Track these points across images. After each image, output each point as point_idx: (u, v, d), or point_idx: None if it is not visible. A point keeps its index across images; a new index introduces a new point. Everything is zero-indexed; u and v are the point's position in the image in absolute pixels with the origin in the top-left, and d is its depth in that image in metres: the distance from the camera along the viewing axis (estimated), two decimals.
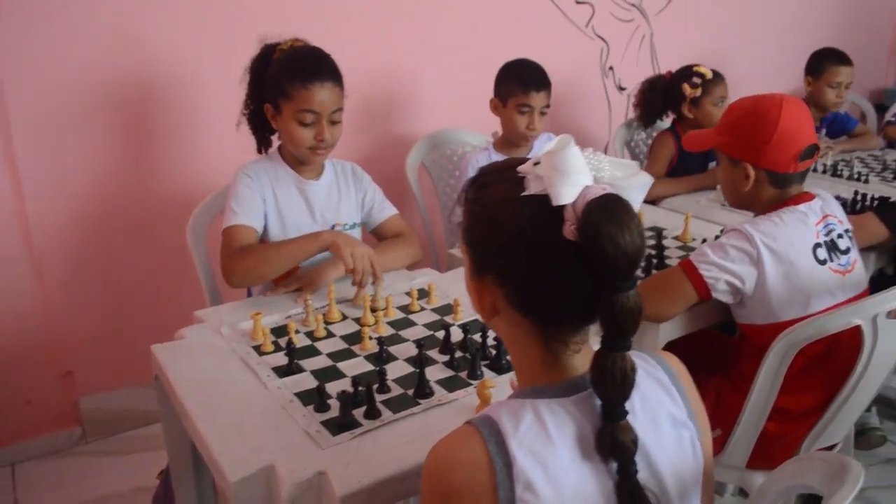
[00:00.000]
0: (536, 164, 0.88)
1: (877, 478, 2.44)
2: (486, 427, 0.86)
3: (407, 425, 1.26)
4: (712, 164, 2.70)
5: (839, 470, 0.90)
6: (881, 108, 4.65)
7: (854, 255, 1.70)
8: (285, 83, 1.77)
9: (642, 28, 3.40)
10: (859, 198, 2.41)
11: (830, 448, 1.72)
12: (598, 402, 0.85)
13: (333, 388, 1.35)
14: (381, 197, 2.05)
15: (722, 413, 1.72)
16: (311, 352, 1.52)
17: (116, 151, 2.33)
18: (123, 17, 2.22)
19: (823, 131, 3.34)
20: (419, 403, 1.32)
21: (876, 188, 2.69)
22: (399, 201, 2.80)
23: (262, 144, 1.98)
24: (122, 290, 2.42)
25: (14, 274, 2.26)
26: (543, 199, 0.85)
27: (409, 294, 1.75)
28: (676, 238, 2.13)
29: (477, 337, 1.53)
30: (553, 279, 0.86)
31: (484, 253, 0.93)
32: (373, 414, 1.27)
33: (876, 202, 2.37)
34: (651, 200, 2.64)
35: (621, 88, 3.43)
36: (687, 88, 2.68)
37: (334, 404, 1.28)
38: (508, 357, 1.41)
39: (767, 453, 1.65)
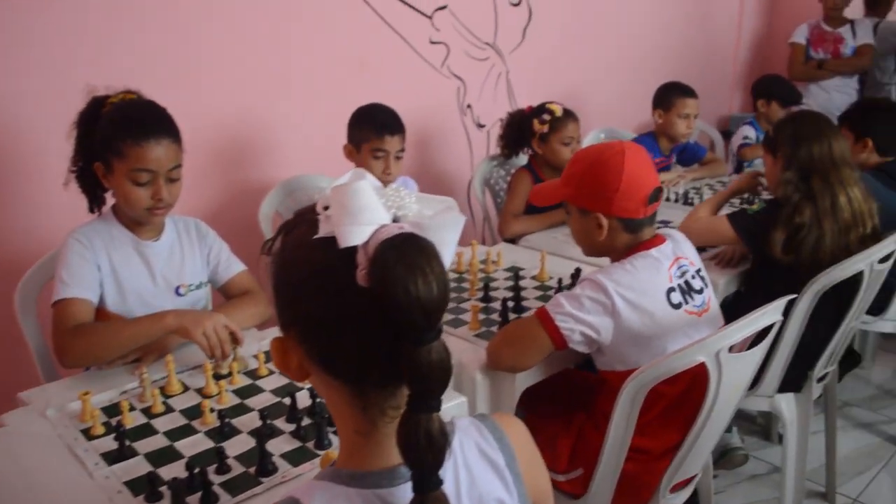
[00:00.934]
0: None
1: (743, 496, 2.51)
2: None
3: None
4: None
5: None
6: (728, 135, 4.93)
7: (708, 292, 1.73)
8: (117, 140, 1.65)
9: (498, 66, 3.46)
10: None
11: (689, 480, 1.74)
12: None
13: (169, 472, 1.25)
14: (227, 253, 1.95)
15: (584, 452, 1.71)
16: (146, 431, 1.40)
17: None
18: None
19: (675, 160, 3.49)
20: (261, 482, 1.23)
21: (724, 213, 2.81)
22: (253, 254, 2.71)
23: (95, 203, 1.84)
24: None
25: None
26: (336, 242, 0.76)
27: (256, 357, 1.65)
28: (534, 278, 2.14)
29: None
30: (350, 332, 0.77)
31: (281, 305, 0.84)
32: (208, 501, 1.18)
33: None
34: (510, 239, 2.66)
35: (480, 125, 3.46)
36: (536, 124, 2.72)
37: (167, 493, 1.18)
38: None
39: (630, 492, 1.66)
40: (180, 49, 2.44)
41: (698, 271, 1.73)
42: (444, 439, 0.73)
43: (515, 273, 2.13)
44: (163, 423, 1.43)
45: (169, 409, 1.48)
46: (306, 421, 1.40)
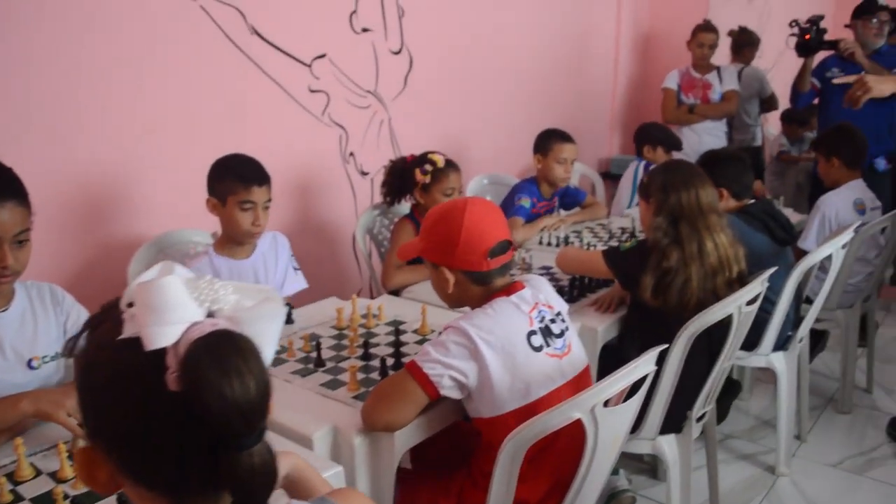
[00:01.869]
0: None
1: None
2: None
3: None
4: None
5: None
6: (608, 176, 5.11)
7: (569, 336, 1.75)
8: None
9: (380, 113, 3.45)
10: None
11: None
12: None
13: None
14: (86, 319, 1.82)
15: None
16: None
17: None
18: None
19: (558, 204, 3.57)
20: None
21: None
22: None
23: None
24: None
25: None
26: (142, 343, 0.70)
27: None
28: (416, 331, 2.10)
29: None
30: (163, 440, 0.71)
31: (86, 411, 0.77)
32: None
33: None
34: (394, 290, 2.62)
35: (364, 173, 3.43)
36: (418, 174, 2.71)
37: None
38: None
39: None
40: (35, 98, 2.30)
41: (558, 314, 1.76)
42: None
43: (396, 328, 2.09)
44: None
45: (18, 499, 1.35)
46: None
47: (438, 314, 2.20)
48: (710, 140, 4.46)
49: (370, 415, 1.59)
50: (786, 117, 5.09)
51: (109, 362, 0.73)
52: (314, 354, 1.91)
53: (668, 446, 2.17)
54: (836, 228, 3.15)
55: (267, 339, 0.72)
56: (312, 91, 3.13)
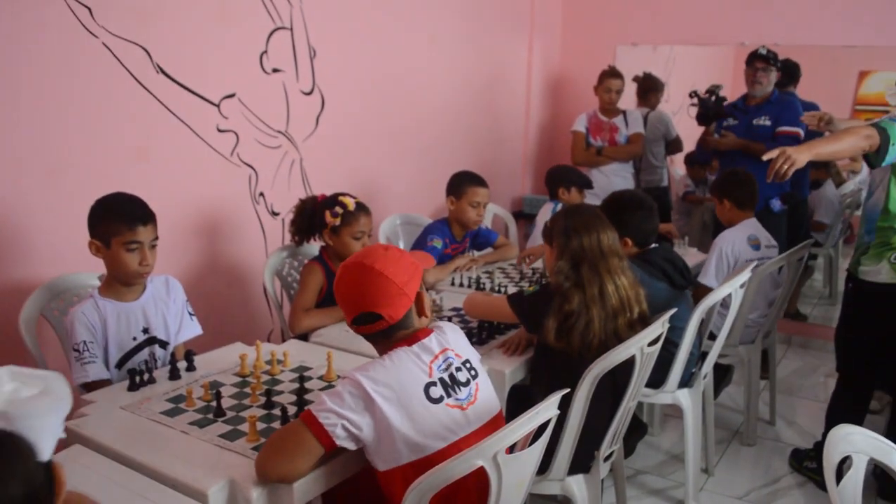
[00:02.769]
0: None
1: None
2: None
3: None
4: None
5: None
6: (521, 215, 5.18)
7: (478, 382, 1.74)
8: None
9: (291, 153, 3.41)
10: None
11: None
12: None
13: None
14: None
15: None
16: None
17: None
18: None
19: (469, 245, 3.59)
20: None
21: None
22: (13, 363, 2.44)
23: None
24: None
25: None
26: None
27: None
28: (321, 378, 2.06)
29: None
30: None
31: None
32: None
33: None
34: (303, 335, 2.57)
35: (274, 213, 3.38)
36: (328, 216, 2.68)
37: None
38: None
39: None
40: None
41: (465, 363, 1.74)
42: None
43: (301, 374, 2.04)
44: None
45: None
46: None
47: (345, 359, 2.17)
48: (617, 181, 4.58)
49: (264, 466, 1.54)
50: (689, 160, 5.28)
51: None
52: (214, 404, 1.85)
53: (577, 486, 2.18)
54: (732, 262, 3.29)
55: (45, 432, 0.67)
56: (221, 130, 3.07)
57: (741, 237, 3.36)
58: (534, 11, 5.11)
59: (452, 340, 1.75)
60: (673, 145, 5.04)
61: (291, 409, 1.83)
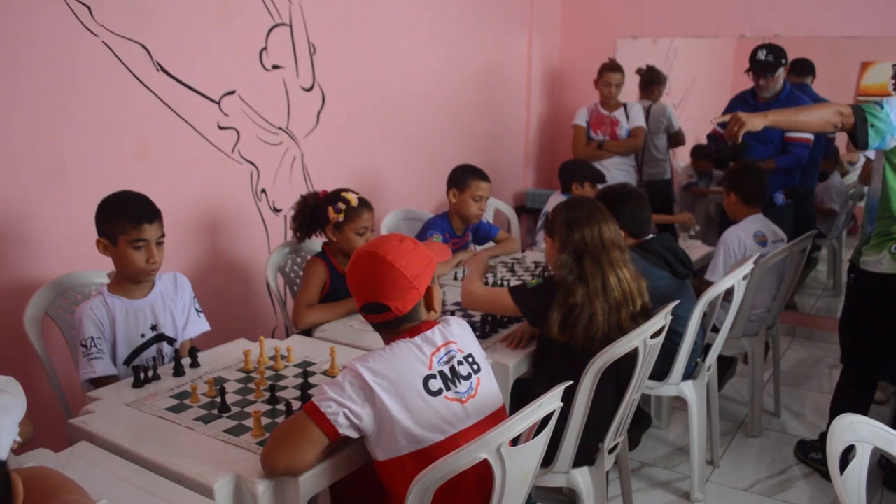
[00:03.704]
0: None
1: None
2: None
3: None
4: None
5: None
6: (523, 210, 5.18)
7: (480, 376, 1.73)
8: None
9: (292, 150, 3.41)
10: None
11: None
12: None
13: None
14: None
15: None
16: None
17: None
18: None
19: (471, 239, 3.59)
20: None
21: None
22: (21, 363, 2.44)
23: None
24: None
25: None
26: None
27: None
28: (325, 373, 2.06)
29: None
30: None
31: None
32: None
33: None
34: (306, 331, 2.57)
35: (276, 210, 3.39)
36: (331, 212, 2.68)
37: None
38: None
39: None
40: None
41: (468, 357, 1.73)
42: None
43: (305, 370, 2.04)
44: None
45: None
46: None
47: (349, 354, 2.17)
48: (619, 175, 4.57)
49: (269, 458, 1.54)
50: (695, 153, 5.27)
51: None
52: (218, 399, 1.85)
53: (583, 479, 2.18)
54: (739, 259, 3.27)
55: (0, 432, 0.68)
56: (221, 128, 3.08)
57: (747, 233, 3.34)
58: (533, 5, 5.10)
59: (458, 334, 1.74)
60: (675, 138, 5.03)
61: (295, 404, 1.83)
